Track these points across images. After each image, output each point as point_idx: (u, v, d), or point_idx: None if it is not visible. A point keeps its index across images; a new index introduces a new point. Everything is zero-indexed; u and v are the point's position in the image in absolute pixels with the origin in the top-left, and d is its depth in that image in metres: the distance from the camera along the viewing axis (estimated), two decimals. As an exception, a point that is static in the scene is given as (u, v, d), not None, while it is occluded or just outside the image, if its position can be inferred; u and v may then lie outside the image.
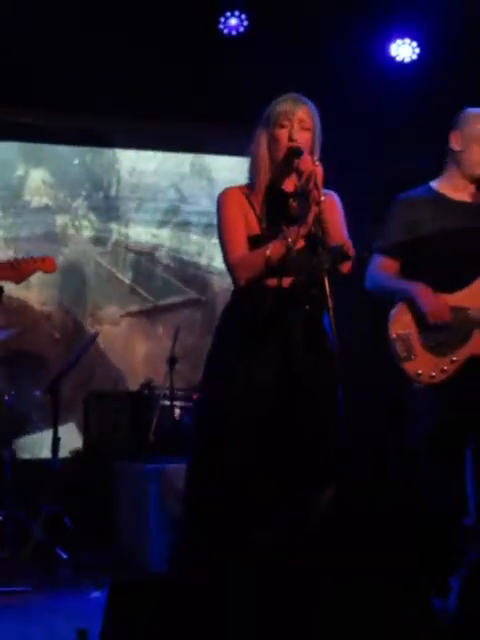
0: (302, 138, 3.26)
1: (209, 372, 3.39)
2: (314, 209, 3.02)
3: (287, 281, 3.24)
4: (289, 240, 3.13)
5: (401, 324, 3.68)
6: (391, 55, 6.16)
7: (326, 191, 3.13)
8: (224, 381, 3.27)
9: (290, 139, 3.25)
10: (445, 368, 3.63)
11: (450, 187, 3.83)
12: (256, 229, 3.31)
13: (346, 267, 3.14)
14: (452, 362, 3.64)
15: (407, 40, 6.13)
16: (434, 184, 3.87)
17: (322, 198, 3.00)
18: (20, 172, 6.60)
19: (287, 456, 3.19)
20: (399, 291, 3.74)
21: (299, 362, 3.23)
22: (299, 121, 3.28)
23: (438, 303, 3.63)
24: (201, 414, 3.49)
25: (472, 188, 3.83)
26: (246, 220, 3.32)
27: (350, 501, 3.07)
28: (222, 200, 3.38)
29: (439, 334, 3.64)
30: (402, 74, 6.14)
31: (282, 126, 3.28)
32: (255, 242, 3.28)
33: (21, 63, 5.57)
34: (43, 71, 5.65)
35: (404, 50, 6.15)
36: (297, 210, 3.16)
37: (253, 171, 3.37)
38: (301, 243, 3.17)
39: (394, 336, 3.67)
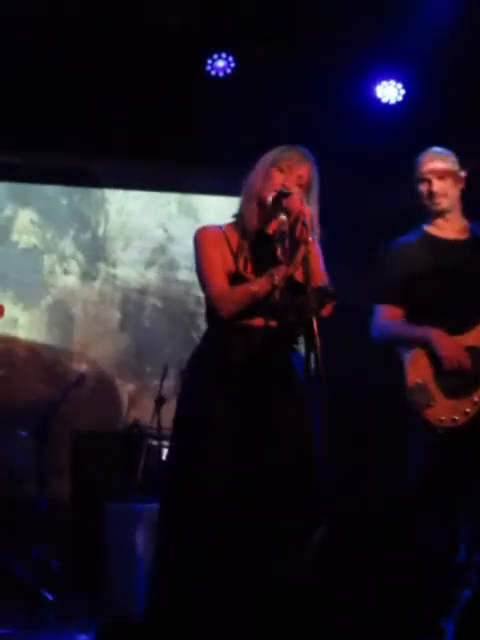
0: (294, 193, 3.27)
1: (182, 411, 3.35)
2: (302, 249, 3.04)
3: (273, 322, 3.25)
4: (276, 278, 3.15)
5: (417, 372, 3.64)
6: (377, 96, 6.20)
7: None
8: (197, 423, 3.24)
9: (282, 185, 3.27)
10: (467, 410, 3.57)
11: (437, 228, 3.84)
12: (231, 266, 3.34)
13: (328, 309, 3.15)
14: (474, 403, 3.58)
15: (392, 82, 6.18)
16: (425, 227, 3.88)
17: (310, 238, 3.03)
18: (8, 212, 6.62)
19: (259, 502, 3.16)
20: (413, 339, 3.69)
21: (277, 404, 3.22)
22: (298, 177, 3.31)
23: (455, 347, 3.59)
24: (172, 457, 3.46)
25: (460, 224, 3.85)
26: (222, 256, 3.35)
27: (336, 543, 3.05)
28: (199, 237, 3.45)
29: (456, 377, 3.59)
30: (388, 115, 6.18)
31: (280, 170, 3.31)
32: (231, 279, 3.31)
33: (9, 103, 5.60)
34: (31, 111, 5.67)
35: (389, 91, 6.20)
36: (281, 250, 3.18)
37: (241, 204, 3.41)
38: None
39: (411, 385, 3.63)
